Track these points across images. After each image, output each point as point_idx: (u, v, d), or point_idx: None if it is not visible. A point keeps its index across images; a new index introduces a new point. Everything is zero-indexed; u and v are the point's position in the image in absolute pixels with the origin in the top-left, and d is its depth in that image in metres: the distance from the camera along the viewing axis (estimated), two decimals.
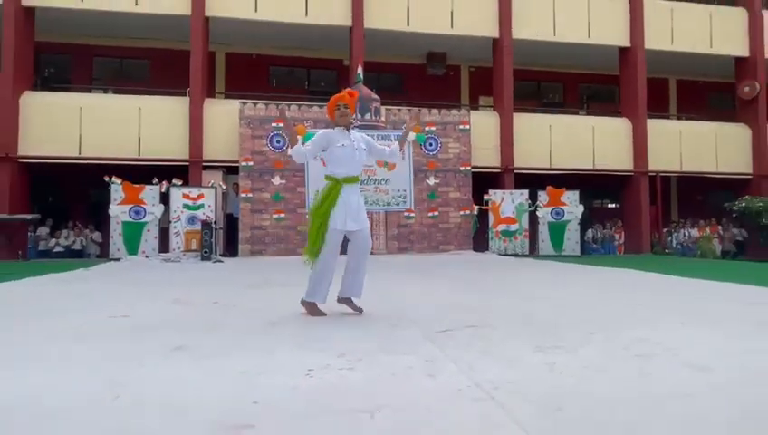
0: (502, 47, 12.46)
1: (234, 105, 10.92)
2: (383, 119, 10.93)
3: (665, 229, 13.84)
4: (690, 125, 14.22)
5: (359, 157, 3.34)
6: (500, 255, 10.84)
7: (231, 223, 10.86)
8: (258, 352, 2.39)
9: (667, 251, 12.90)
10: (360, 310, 3.40)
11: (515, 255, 10.85)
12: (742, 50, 13.90)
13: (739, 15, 13.95)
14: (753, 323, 3.10)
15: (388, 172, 10.85)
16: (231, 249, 10.56)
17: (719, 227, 13.69)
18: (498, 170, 12.25)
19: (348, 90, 3.51)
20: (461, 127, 11.36)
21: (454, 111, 11.59)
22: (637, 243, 12.84)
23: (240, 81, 13.40)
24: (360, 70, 11.03)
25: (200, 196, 10.02)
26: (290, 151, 3.34)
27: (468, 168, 11.34)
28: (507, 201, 11.33)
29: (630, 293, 4.71)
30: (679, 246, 13.35)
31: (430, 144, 11.13)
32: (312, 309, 3.35)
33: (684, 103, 16.36)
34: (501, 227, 11.27)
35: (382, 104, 11.02)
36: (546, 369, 2.11)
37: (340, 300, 3.45)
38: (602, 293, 4.78)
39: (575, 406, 1.68)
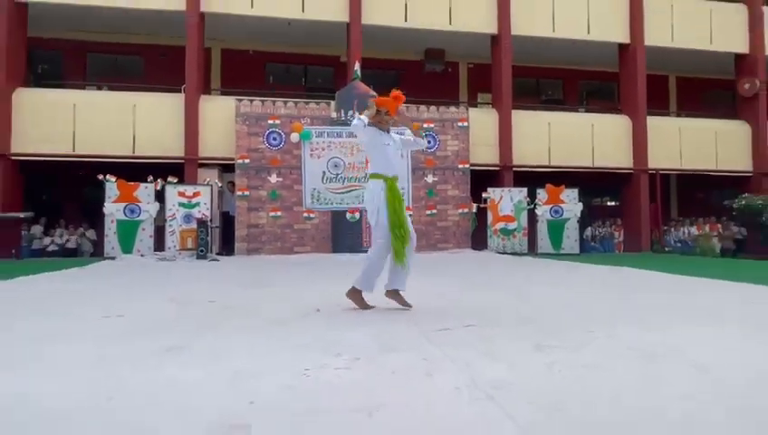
0: (501, 43, 12.46)
1: (230, 102, 10.89)
2: None
3: (664, 227, 13.87)
4: (690, 122, 14.25)
5: (400, 157, 3.67)
6: (498, 253, 10.85)
7: (227, 221, 10.85)
8: (254, 352, 2.39)
9: (666, 249, 12.94)
10: (409, 305, 3.50)
11: (514, 253, 10.86)
12: (742, 46, 13.93)
13: (739, 12, 13.97)
14: (754, 322, 3.11)
15: None
16: (227, 248, 10.55)
17: (719, 226, 13.74)
18: (497, 168, 12.26)
19: (393, 92, 3.66)
20: (459, 124, 11.36)
21: (452, 108, 11.59)
22: (636, 241, 12.87)
23: (236, 77, 13.36)
24: (357, 66, 11.02)
25: (196, 194, 10.00)
26: (355, 120, 3.54)
27: (467, 165, 11.34)
28: (506, 199, 11.34)
29: (630, 291, 4.73)
30: (679, 244, 13.38)
31: (428, 141, 11.12)
32: (357, 297, 3.52)
33: (684, 100, 16.40)
34: (499, 226, 11.28)
35: None
36: (546, 368, 2.12)
37: (389, 293, 3.56)
38: (602, 291, 4.79)
39: (575, 406, 1.68)
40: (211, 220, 9.95)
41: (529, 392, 1.81)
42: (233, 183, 10.76)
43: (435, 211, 11.08)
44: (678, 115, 15.73)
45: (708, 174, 13.85)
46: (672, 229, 13.95)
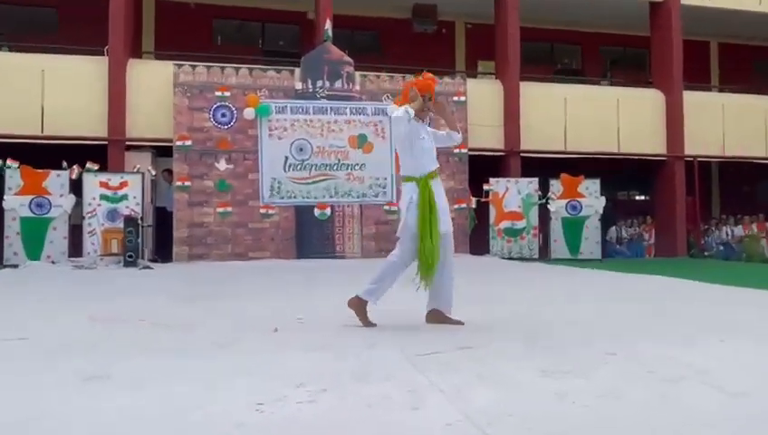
0: None
1: (166, 68, 10.76)
2: (357, 87, 10.94)
3: (704, 227, 14.19)
4: (735, 99, 14.59)
5: (434, 150, 3.79)
6: (503, 258, 10.98)
7: (163, 219, 10.73)
8: (196, 382, 2.38)
9: (706, 253, 13.26)
10: (461, 322, 3.65)
11: (522, 258, 11.00)
12: None
13: None
14: None
15: (365, 155, 10.88)
16: (163, 253, 10.44)
17: (767, 225, 14.13)
18: (501, 154, 12.39)
19: (426, 74, 3.84)
20: (456, 99, 11.44)
21: (447, 79, 11.66)
22: (671, 243, 13.15)
23: (175, 36, 13.19)
24: (328, 26, 11.00)
25: (123, 184, 9.88)
26: (399, 111, 3.65)
27: (464, 150, 11.43)
28: (512, 192, 11.47)
29: (660, 304, 4.84)
30: (721, 248, 13.72)
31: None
32: (361, 309, 3.63)
33: (728, 72, 16.77)
34: (504, 225, 11.41)
35: (356, 69, 11.01)
36: (554, 398, 2.16)
37: (432, 315, 3.70)
38: (626, 304, 4.89)
39: None
40: (142, 218, 9.84)
41: (534, 428, 1.85)
42: (170, 171, 10.64)
43: None
44: (721, 90, 16.09)
45: (757, 162, 14.22)
46: (713, 229, 14.29)
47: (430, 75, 3.85)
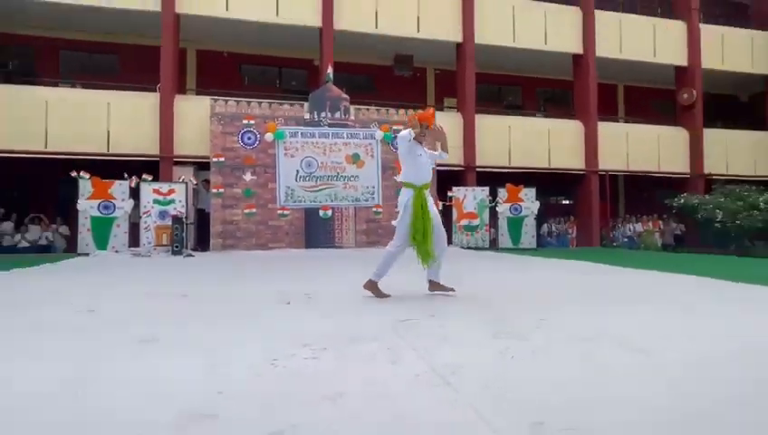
0: (465, 51, 12.62)
1: (205, 102, 10.63)
2: (352, 117, 10.90)
3: (612, 224, 14.39)
4: (636, 128, 14.81)
5: (431, 166, 3.91)
6: (462, 248, 11.02)
7: (202, 218, 10.61)
8: (224, 343, 2.36)
9: (614, 244, 13.43)
10: (452, 289, 3.84)
11: (477, 248, 11.05)
12: (681, 59, 14.57)
13: (679, 28, 14.59)
14: (689, 309, 3.28)
15: (358, 169, 10.84)
16: (203, 244, 10.33)
17: (660, 222, 14.36)
18: (461, 168, 12.43)
19: (428, 109, 4.09)
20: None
21: (420, 112, 11.63)
22: (588, 237, 13.31)
23: (211, 78, 13.05)
24: (329, 70, 10.95)
25: (171, 191, 9.74)
26: (405, 132, 3.76)
27: (434, 166, 11.42)
28: (469, 198, 11.52)
29: (581, 282, 4.89)
30: (626, 240, 13.91)
31: (397, 143, 11.14)
32: (374, 287, 3.76)
33: (630, 108, 17.02)
34: (464, 222, 11.46)
35: (352, 103, 10.98)
36: (499, 355, 2.18)
37: (432, 284, 3.87)
38: (556, 282, 4.94)
39: (524, 389, 1.74)
40: (186, 217, 9.72)
41: (483, 377, 1.86)
42: (208, 181, 10.52)
43: None
44: (626, 121, 16.31)
45: (651, 175, 14.44)
46: (619, 226, 14.48)
47: (431, 110, 4.00)
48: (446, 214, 11.57)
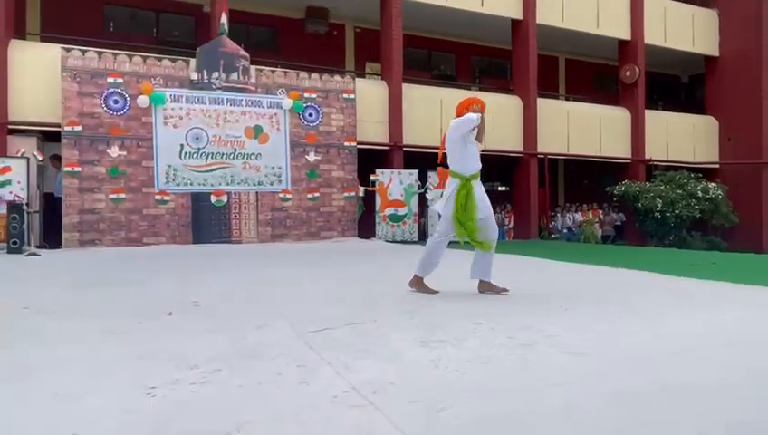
0: (391, 7, 12.68)
1: (53, 51, 9.64)
2: (253, 80, 10.53)
3: (551, 213, 15.43)
4: (577, 107, 15.95)
5: (479, 154, 4.28)
6: (387, 241, 11.18)
7: (51, 205, 9.68)
8: (83, 369, 2.17)
9: (553, 236, 14.42)
10: (505, 290, 4.13)
11: (403, 241, 11.27)
12: (625, 33, 15.89)
13: None
14: (626, 307, 3.60)
15: (261, 145, 10.53)
16: (51, 239, 9.44)
17: (600, 212, 15.68)
18: (387, 147, 12.55)
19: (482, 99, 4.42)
20: (345, 96, 11.39)
21: (337, 78, 11.56)
22: (525, 228, 14.14)
23: (63, 20, 11.86)
24: (224, 19, 10.47)
25: (5, 169, 8.78)
26: (474, 115, 4.10)
27: (353, 143, 11.45)
28: (396, 182, 11.68)
29: (517, 280, 5.17)
30: (566, 231, 15.00)
31: (310, 114, 11.00)
32: (420, 284, 4.17)
33: (572, 83, 18.28)
34: (389, 211, 11.61)
35: (252, 63, 10.59)
36: (431, 365, 2.24)
37: (483, 284, 4.18)
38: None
39: (459, 404, 1.79)
40: (28, 204, 8.81)
41: (413, 393, 1.89)
42: (58, 156, 9.61)
43: (317, 195, 11.03)
44: (567, 99, 17.49)
45: (593, 160, 15.66)
46: (559, 215, 15.57)
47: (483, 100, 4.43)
48: (368, 201, 11.66)
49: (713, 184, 14.88)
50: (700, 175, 15.32)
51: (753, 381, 2.06)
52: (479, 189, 4.19)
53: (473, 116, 4.06)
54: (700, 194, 14.33)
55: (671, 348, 2.53)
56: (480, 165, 4.25)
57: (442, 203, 4.18)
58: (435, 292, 4.11)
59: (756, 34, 16.20)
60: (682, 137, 16.87)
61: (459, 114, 4.29)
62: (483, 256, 4.16)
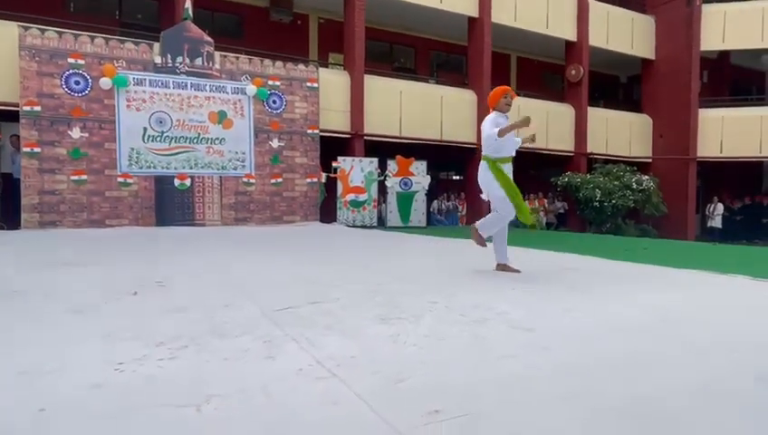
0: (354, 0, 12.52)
1: (10, 29, 9.04)
2: (217, 66, 10.21)
3: None
4: (527, 102, 16.21)
5: (513, 141, 4.44)
6: (347, 226, 11.17)
7: (9, 186, 9.15)
8: (49, 347, 2.08)
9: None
10: (518, 271, 4.33)
11: (363, 226, 11.28)
12: (571, 34, 16.27)
13: (571, 1, 16.23)
14: (568, 287, 3.74)
15: (225, 130, 10.25)
16: (10, 220, 8.94)
17: (546, 201, 16.13)
18: (348, 136, 12.47)
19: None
20: (309, 85, 11.20)
21: (301, 66, 11.35)
22: (477, 215, 14.37)
23: None
24: (188, 4, 10.07)
25: None
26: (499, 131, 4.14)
27: (316, 131, 11.31)
28: (356, 169, 11.65)
29: (469, 262, 5.28)
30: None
31: (273, 101, 10.77)
32: (506, 267, 4.39)
33: (522, 80, 18.61)
34: (350, 197, 11.58)
35: (216, 50, 10.27)
36: (390, 340, 2.26)
37: (500, 266, 4.41)
38: (443, 262, 5.27)
39: (416, 375, 1.83)
40: None
41: (373, 366, 1.91)
42: (17, 136, 9.07)
43: (280, 180, 10.87)
44: (518, 94, 17.76)
45: (540, 152, 16.05)
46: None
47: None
48: (330, 187, 11.58)
49: (646, 177, 15.54)
50: (635, 168, 15.96)
51: (685, 351, 2.19)
52: (507, 170, 4.37)
53: (494, 133, 4.16)
54: (634, 186, 14.96)
55: (610, 324, 2.65)
56: (513, 153, 4.41)
57: (485, 189, 4.38)
58: (517, 271, 4.32)
59: (687, 40, 16.91)
60: (620, 133, 17.50)
61: (492, 104, 4.46)
62: (500, 242, 4.45)
